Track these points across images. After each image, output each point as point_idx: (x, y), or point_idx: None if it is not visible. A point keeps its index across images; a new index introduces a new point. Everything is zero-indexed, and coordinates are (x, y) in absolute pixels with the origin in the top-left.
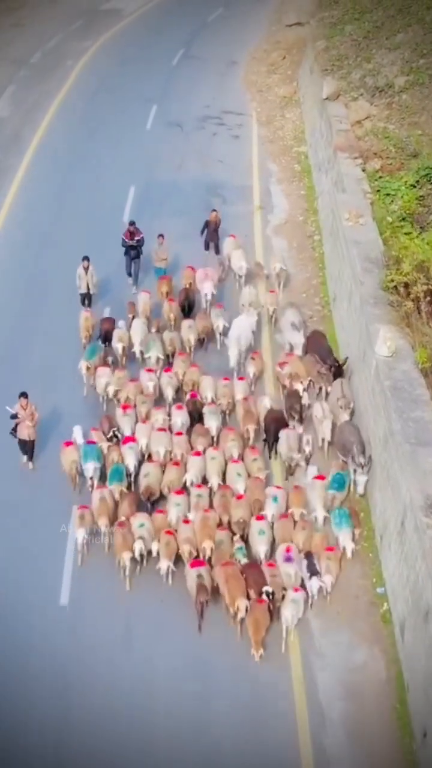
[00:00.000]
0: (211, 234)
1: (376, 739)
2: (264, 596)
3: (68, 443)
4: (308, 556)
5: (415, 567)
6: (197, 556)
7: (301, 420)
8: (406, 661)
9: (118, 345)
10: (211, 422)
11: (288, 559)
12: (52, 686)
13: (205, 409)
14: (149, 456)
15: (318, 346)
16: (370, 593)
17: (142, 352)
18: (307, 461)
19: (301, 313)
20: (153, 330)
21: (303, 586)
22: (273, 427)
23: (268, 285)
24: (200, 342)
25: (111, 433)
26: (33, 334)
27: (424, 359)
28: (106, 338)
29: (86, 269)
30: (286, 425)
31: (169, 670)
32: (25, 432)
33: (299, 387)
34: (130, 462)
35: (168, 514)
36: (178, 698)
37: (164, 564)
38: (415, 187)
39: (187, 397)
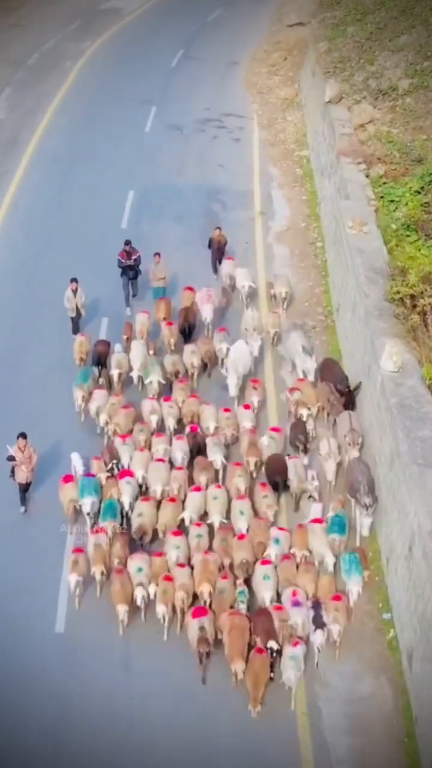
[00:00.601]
0: (215, 253)
1: None
2: (267, 650)
3: (67, 479)
4: (315, 605)
5: (423, 596)
6: (192, 603)
7: (305, 449)
8: (415, 692)
9: (115, 372)
10: (215, 455)
11: (296, 604)
12: (48, 714)
13: (208, 441)
14: (146, 491)
15: (332, 374)
16: (375, 619)
17: (141, 378)
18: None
19: (307, 335)
20: (150, 352)
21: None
22: (280, 479)
23: (272, 306)
24: (203, 367)
25: (110, 466)
26: (31, 335)
27: None
28: (99, 362)
29: (75, 291)
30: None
31: (167, 699)
32: (22, 476)
33: (304, 413)
34: (126, 499)
35: (168, 556)
36: (176, 728)
37: (160, 609)
38: (419, 193)
39: (188, 429)
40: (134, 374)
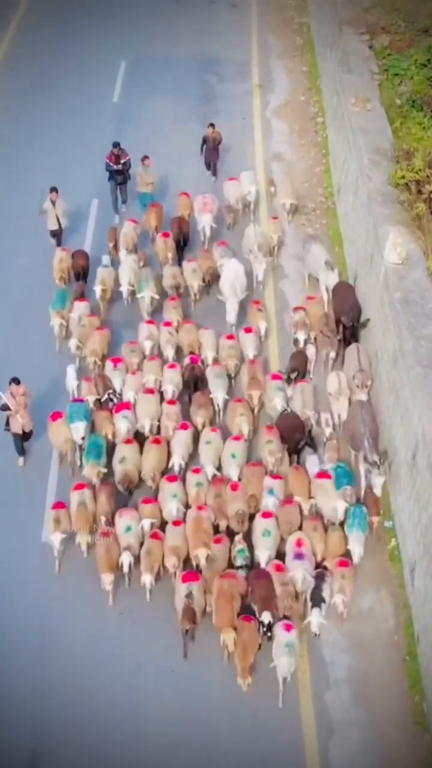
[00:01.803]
0: (210, 152)
1: (383, 698)
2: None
3: (55, 416)
4: (318, 577)
5: (427, 508)
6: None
7: (292, 380)
8: (417, 609)
9: (98, 288)
10: (217, 390)
11: (299, 556)
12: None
13: (208, 372)
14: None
15: (342, 303)
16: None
17: (132, 293)
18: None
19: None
20: (140, 264)
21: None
22: (295, 437)
23: (272, 210)
24: (205, 286)
25: (105, 396)
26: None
27: None
28: (80, 276)
29: (54, 202)
30: (307, 433)
31: (156, 617)
32: (17, 425)
33: (300, 337)
34: (122, 429)
35: (168, 509)
36: (166, 644)
37: (147, 578)
38: (426, 66)
39: (186, 360)
40: (123, 290)
